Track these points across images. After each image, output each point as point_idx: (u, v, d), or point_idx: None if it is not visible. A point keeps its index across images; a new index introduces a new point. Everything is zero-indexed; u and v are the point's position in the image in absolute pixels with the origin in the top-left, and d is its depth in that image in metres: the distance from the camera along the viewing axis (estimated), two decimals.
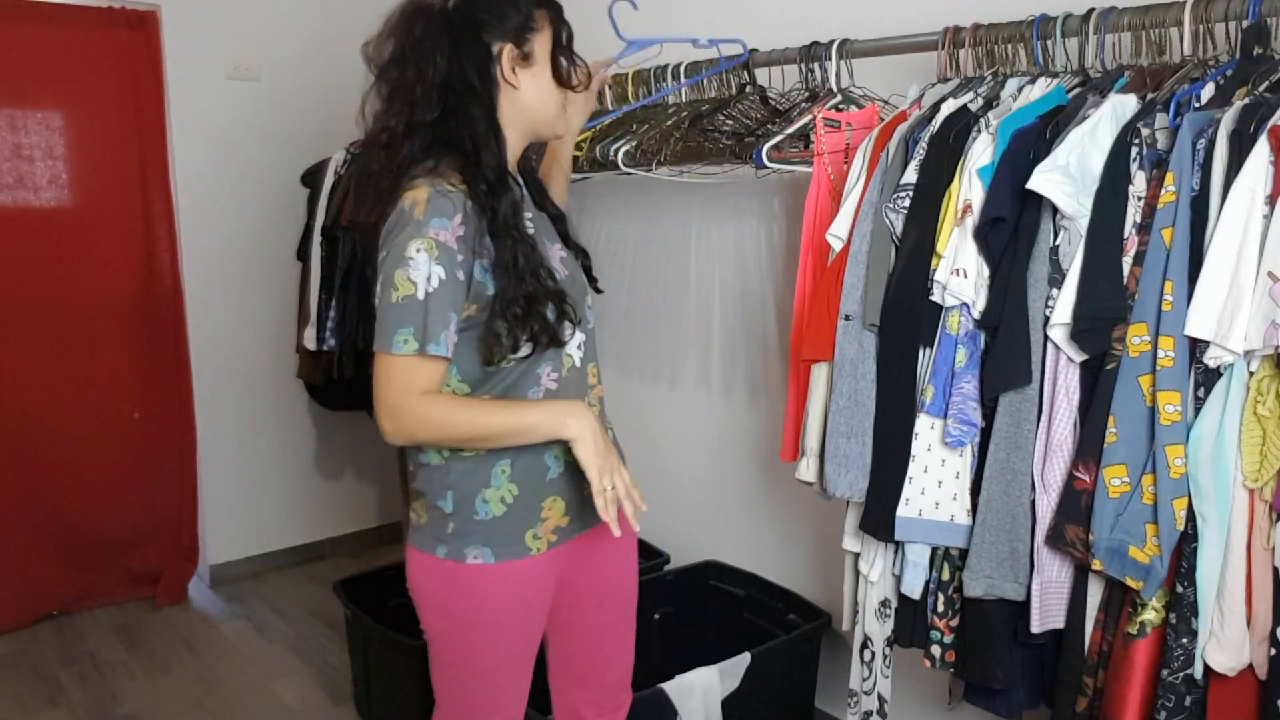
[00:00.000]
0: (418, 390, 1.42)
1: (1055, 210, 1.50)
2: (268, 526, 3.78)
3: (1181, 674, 1.43)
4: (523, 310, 1.45)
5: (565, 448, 1.49)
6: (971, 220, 1.57)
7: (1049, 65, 1.68)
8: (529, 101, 1.53)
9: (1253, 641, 1.40)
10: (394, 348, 1.40)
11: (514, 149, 1.56)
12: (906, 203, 1.68)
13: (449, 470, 1.53)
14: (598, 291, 1.70)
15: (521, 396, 1.52)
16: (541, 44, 1.52)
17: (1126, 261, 1.46)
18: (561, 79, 1.55)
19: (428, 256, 1.39)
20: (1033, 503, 1.57)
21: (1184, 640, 1.42)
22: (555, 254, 1.59)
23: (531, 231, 1.54)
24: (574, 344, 1.57)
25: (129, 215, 3.38)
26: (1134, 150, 1.47)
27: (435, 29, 1.48)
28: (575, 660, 1.75)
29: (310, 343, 3.38)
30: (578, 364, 1.58)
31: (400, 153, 1.48)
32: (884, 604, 1.80)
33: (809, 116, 1.98)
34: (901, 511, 1.67)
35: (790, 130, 2.00)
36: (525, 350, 1.48)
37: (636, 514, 1.48)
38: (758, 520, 2.71)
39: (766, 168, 2.00)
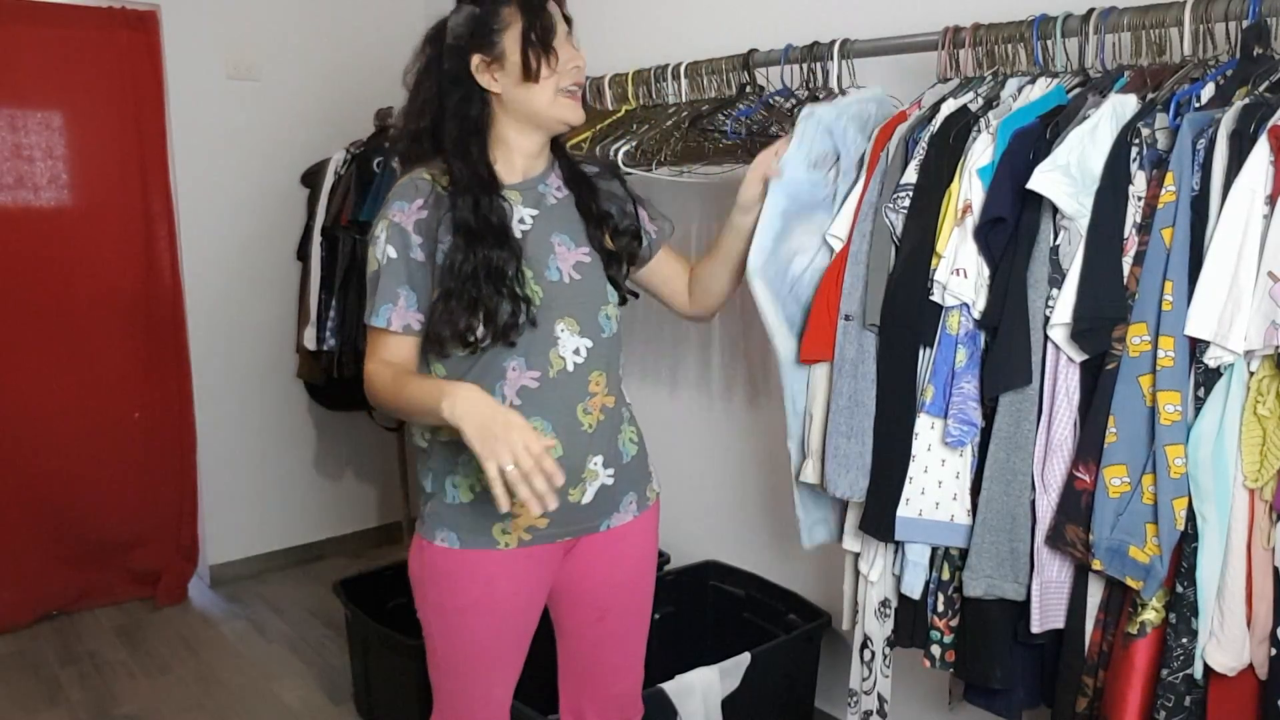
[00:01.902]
0: (378, 357, 1.54)
1: (1055, 210, 1.50)
2: (268, 526, 3.78)
3: (1181, 674, 1.43)
4: (460, 307, 1.47)
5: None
6: (971, 220, 1.57)
7: (1049, 65, 1.68)
8: (515, 99, 1.55)
9: (1253, 641, 1.40)
10: (364, 316, 1.56)
11: (520, 148, 1.59)
12: (906, 203, 1.68)
13: (430, 453, 1.60)
14: (622, 301, 1.66)
15: (489, 389, 1.50)
16: (511, 40, 1.53)
17: (1126, 261, 1.46)
18: (526, 72, 1.53)
19: (385, 236, 1.52)
20: (1033, 503, 1.57)
21: (1184, 640, 1.42)
22: (570, 256, 1.58)
23: (527, 229, 1.56)
24: (569, 347, 1.56)
25: (129, 215, 3.38)
26: (1134, 150, 1.47)
27: (430, 55, 1.59)
28: (579, 668, 1.75)
29: (310, 343, 3.38)
30: (570, 369, 1.56)
31: (409, 156, 1.62)
32: (884, 604, 1.80)
33: None
34: (901, 511, 1.67)
35: None
36: (472, 344, 1.49)
37: (546, 495, 1.34)
38: (758, 520, 2.71)
39: None
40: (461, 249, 1.49)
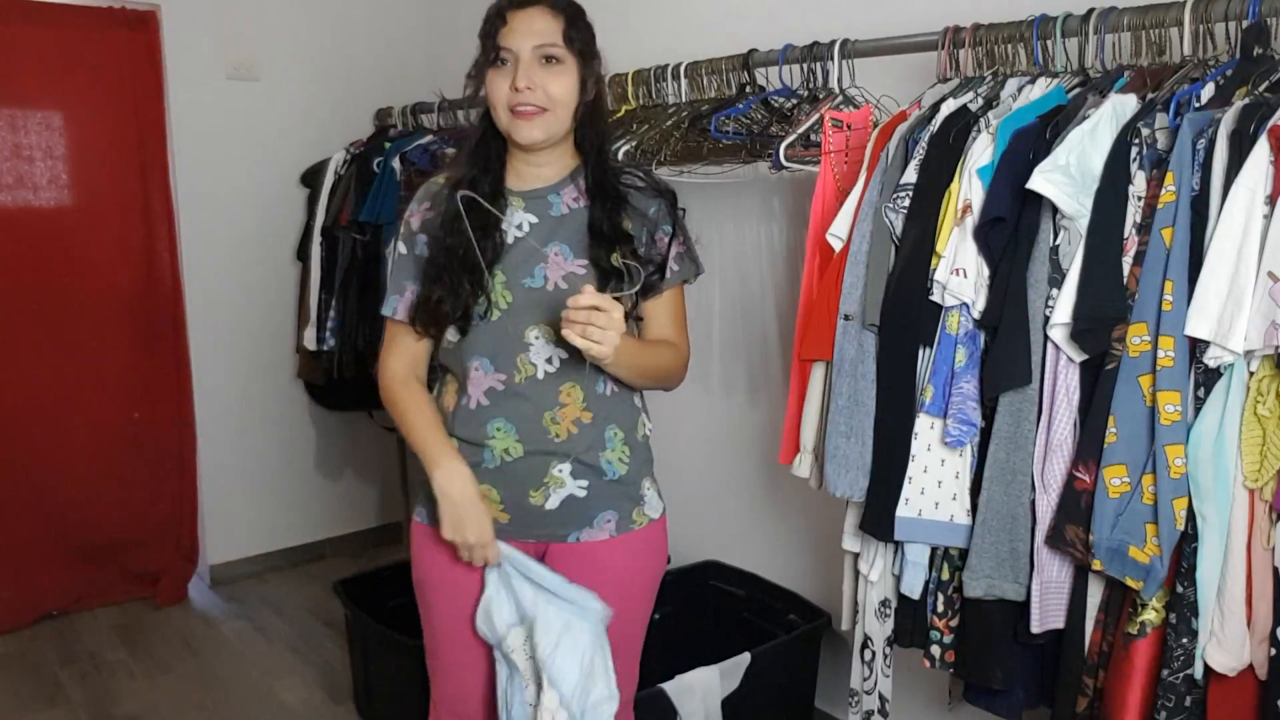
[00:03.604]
0: (391, 349, 1.67)
1: (1055, 210, 1.50)
2: (268, 526, 3.78)
3: (1181, 674, 1.43)
4: (438, 282, 1.57)
5: (502, 445, 1.58)
6: (971, 220, 1.57)
7: (1049, 65, 1.68)
8: (494, 117, 1.59)
9: (1253, 641, 1.40)
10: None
11: (521, 156, 1.62)
12: (906, 203, 1.68)
13: None
14: None
15: (461, 386, 1.61)
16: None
17: (1126, 261, 1.46)
18: (478, 89, 1.59)
19: (399, 234, 1.68)
20: (1033, 503, 1.57)
21: (1184, 640, 1.42)
22: (564, 267, 1.57)
23: (521, 235, 1.57)
24: (541, 356, 1.56)
25: (129, 215, 3.38)
26: (1134, 150, 1.47)
27: None
28: None
29: (310, 343, 3.38)
30: (540, 376, 1.56)
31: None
32: (884, 604, 1.80)
33: (815, 116, 1.99)
34: (901, 511, 1.67)
35: (800, 130, 2.00)
36: (445, 322, 1.59)
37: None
38: (758, 520, 2.71)
39: (786, 168, 2.00)
40: (447, 232, 1.57)
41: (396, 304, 1.65)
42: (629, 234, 1.60)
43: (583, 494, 1.60)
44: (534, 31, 1.52)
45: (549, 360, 1.57)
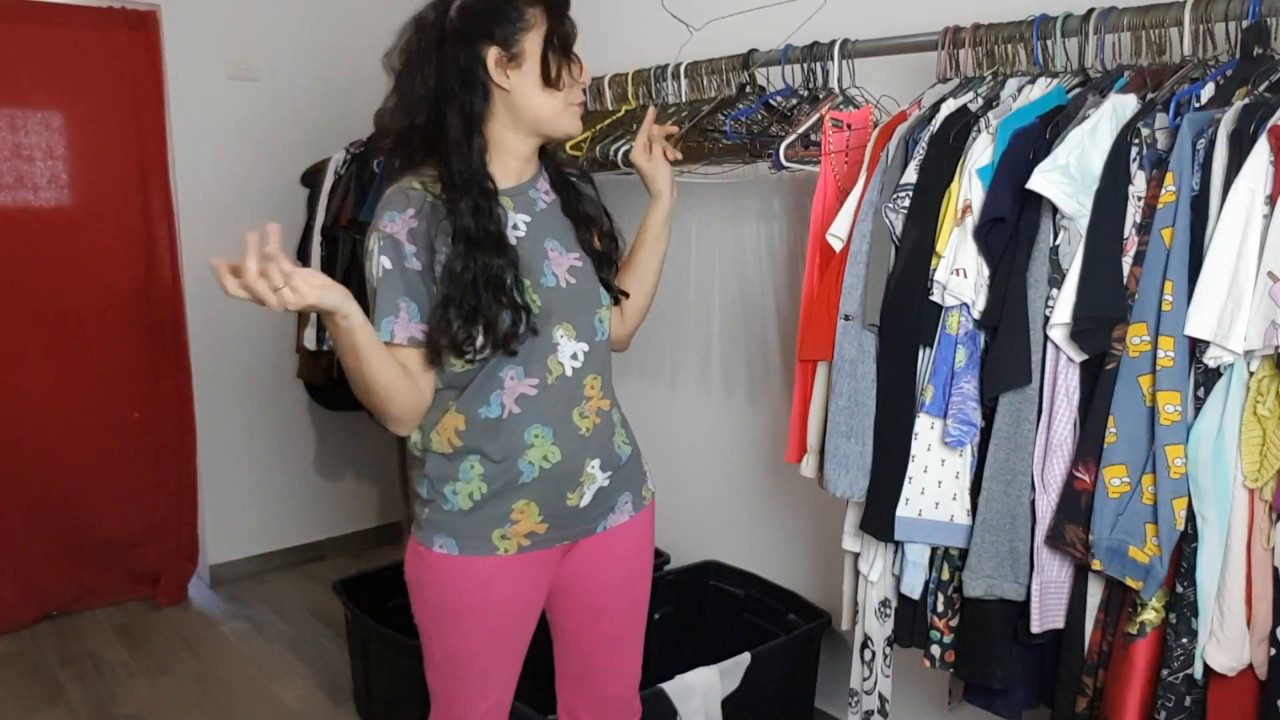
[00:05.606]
0: None
1: (1055, 210, 1.50)
2: (268, 526, 3.78)
3: (1181, 674, 1.43)
4: (459, 316, 1.44)
5: (540, 452, 1.53)
6: (971, 220, 1.57)
7: (1049, 65, 1.68)
8: (523, 101, 1.50)
9: (1253, 641, 1.40)
10: None
11: (515, 151, 1.56)
12: (906, 203, 1.68)
13: (425, 460, 1.58)
14: (615, 301, 1.66)
15: (484, 400, 1.52)
16: (533, 43, 1.49)
17: (1126, 261, 1.46)
18: (547, 79, 1.50)
19: (378, 249, 1.47)
20: (1033, 503, 1.57)
21: (1184, 640, 1.42)
22: (563, 261, 1.57)
23: (521, 235, 1.55)
24: (567, 353, 1.56)
25: (129, 215, 3.38)
26: (1134, 150, 1.47)
27: (430, 41, 1.49)
28: (575, 669, 1.75)
29: (310, 343, 3.38)
30: (569, 374, 1.56)
31: (397, 157, 1.55)
32: (884, 604, 1.80)
33: (816, 116, 1.99)
34: (901, 511, 1.67)
35: (801, 130, 2.00)
36: (469, 355, 1.47)
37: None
38: (758, 520, 2.72)
39: (786, 168, 2.00)
40: (461, 256, 1.45)
41: (392, 326, 1.46)
42: (595, 218, 1.66)
43: (607, 484, 1.63)
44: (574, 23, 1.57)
45: (574, 356, 1.57)
